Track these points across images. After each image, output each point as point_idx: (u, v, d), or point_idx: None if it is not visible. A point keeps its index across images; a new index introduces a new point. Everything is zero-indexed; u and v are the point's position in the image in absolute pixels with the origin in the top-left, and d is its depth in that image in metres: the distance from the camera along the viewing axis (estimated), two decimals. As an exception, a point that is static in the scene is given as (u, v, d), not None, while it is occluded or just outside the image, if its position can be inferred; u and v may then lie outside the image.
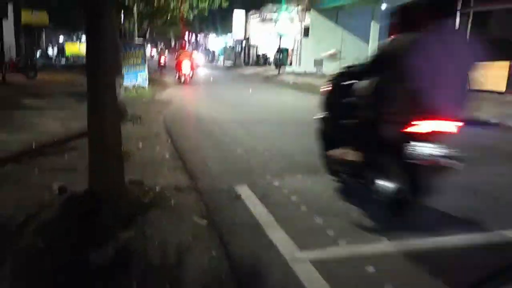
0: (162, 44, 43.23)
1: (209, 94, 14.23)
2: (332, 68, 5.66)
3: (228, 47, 41.02)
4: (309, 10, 23.36)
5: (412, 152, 2.95)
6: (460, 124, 2.98)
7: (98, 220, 3.02)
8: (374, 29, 19.36)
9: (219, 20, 37.87)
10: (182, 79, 16.62)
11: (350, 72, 3.81)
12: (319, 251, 2.79)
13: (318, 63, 20.41)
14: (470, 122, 3.20)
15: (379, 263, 2.63)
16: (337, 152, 3.78)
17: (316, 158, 4.28)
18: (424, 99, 2.87)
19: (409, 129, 2.95)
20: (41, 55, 26.98)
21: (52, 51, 32.43)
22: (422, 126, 2.92)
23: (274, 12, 30.07)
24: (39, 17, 21.28)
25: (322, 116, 4.04)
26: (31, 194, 3.52)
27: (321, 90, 4.20)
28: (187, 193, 3.83)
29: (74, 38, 37.44)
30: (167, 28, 22.44)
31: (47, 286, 2.39)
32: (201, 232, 3.02)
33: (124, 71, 12.29)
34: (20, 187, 3.76)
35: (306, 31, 23.67)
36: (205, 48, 47.32)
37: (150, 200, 3.51)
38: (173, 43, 41.98)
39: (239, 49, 38.77)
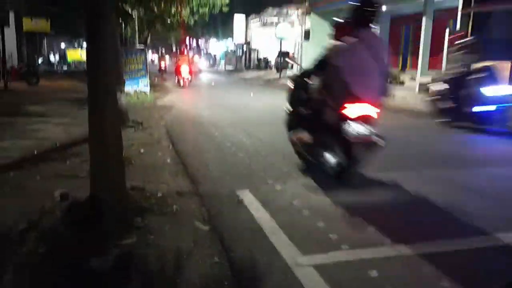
0: (163, 49, 43.32)
1: (211, 99, 14.25)
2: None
3: (229, 50, 41.11)
4: (309, 13, 23.41)
5: (346, 130, 3.80)
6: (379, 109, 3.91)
7: (99, 226, 3.02)
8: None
9: (220, 25, 37.99)
10: (182, 83, 17.34)
11: (306, 73, 4.76)
12: (321, 256, 2.77)
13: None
14: None
15: (382, 267, 2.61)
16: (297, 136, 4.76)
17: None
18: (353, 89, 3.82)
19: (343, 112, 3.84)
20: (43, 62, 27.12)
21: (54, 58, 32.58)
22: (351, 110, 3.83)
23: (275, 16, 30.16)
24: (40, 23, 21.38)
25: (287, 109, 4.98)
26: (33, 201, 3.52)
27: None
28: (189, 198, 3.82)
29: (76, 44, 37.61)
30: (168, 33, 22.50)
31: (48, 294, 2.38)
32: (203, 237, 3.00)
33: (125, 77, 12.33)
34: (22, 193, 3.76)
35: (306, 35, 23.69)
36: (206, 52, 47.40)
37: (152, 206, 3.50)
38: (174, 48, 42.10)
39: (240, 53, 38.85)
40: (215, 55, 45.84)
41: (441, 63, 14.52)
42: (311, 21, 23.36)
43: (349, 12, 4.11)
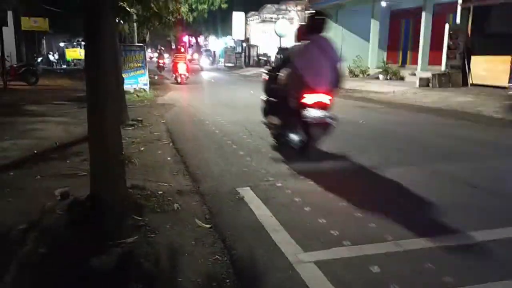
0: (162, 47, 43.29)
1: (211, 96, 14.22)
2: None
3: (229, 47, 41.02)
4: (309, 10, 23.36)
5: (305, 114, 4.66)
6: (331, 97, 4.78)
7: (99, 225, 3.01)
8: (374, 27, 19.33)
9: (219, 22, 37.86)
10: (179, 79, 17.85)
11: (276, 67, 5.70)
12: (323, 252, 2.76)
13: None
14: None
15: (384, 263, 2.60)
16: (269, 120, 5.76)
17: (319, 159, 5.10)
18: (309, 81, 4.69)
19: (302, 100, 4.69)
20: (42, 61, 27.06)
21: (53, 57, 32.53)
22: (309, 98, 4.68)
23: (273, 12, 30.06)
24: (39, 23, 21.32)
25: (263, 97, 5.99)
26: (33, 201, 3.51)
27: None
28: (190, 197, 3.81)
29: (75, 44, 37.53)
30: (167, 30, 22.47)
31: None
32: (204, 236, 2.99)
33: (124, 75, 12.30)
34: (22, 193, 3.75)
35: (306, 31, 23.62)
36: (206, 49, 47.29)
37: (152, 204, 3.49)
38: (173, 45, 42.02)
39: (240, 50, 38.74)
40: (214, 52, 45.78)
41: (441, 58, 14.48)
42: (310, 17, 23.29)
43: (307, 19, 5.20)
